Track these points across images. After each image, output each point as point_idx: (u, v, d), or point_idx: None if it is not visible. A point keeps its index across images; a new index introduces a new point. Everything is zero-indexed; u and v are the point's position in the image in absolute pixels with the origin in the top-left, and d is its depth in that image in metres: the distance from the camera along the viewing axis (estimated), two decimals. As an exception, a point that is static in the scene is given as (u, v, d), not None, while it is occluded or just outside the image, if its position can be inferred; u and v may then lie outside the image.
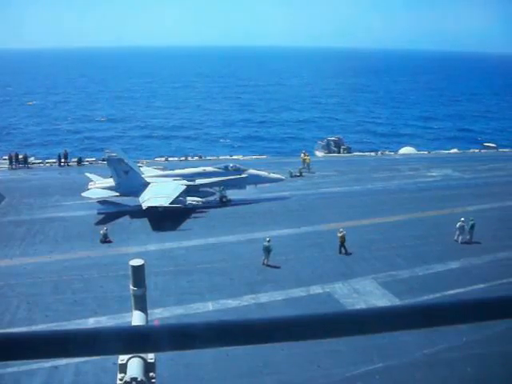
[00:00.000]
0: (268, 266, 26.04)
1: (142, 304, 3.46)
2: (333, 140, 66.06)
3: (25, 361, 1.45)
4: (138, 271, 3.50)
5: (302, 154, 50.23)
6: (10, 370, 15.97)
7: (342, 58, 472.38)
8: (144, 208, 33.38)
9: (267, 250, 26.05)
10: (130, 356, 2.94)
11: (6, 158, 50.63)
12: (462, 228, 29.43)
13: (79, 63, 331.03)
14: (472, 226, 29.55)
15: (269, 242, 26.10)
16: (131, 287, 3.51)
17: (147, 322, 3.46)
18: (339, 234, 27.82)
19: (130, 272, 3.54)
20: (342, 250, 27.81)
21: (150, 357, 3.00)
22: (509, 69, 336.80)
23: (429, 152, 64.11)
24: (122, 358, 2.95)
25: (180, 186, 36.24)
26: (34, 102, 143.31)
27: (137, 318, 3.37)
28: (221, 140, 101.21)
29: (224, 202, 37.84)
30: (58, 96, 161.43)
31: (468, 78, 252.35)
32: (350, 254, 27.75)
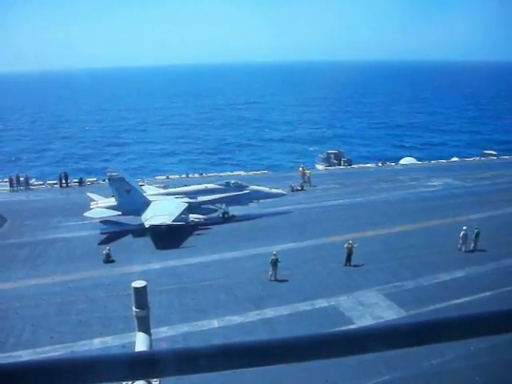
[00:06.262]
0: (276, 280, 25.94)
1: (145, 325, 3.47)
2: (333, 153, 66.29)
3: None
4: (140, 293, 3.51)
5: (301, 168, 50.39)
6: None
7: (324, 71, 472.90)
8: (146, 226, 33.39)
9: (274, 264, 25.99)
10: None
11: (7, 180, 50.78)
12: (465, 236, 29.35)
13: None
14: (477, 235, 29.46)
15: (275, 255, 26.09)
16: (134, 309, 3.52)
17: (151, 343, 3.46)
18: (347, 246, 27.76)
19: (132, 294, 3.55)
20: (347, 262, 27.70)
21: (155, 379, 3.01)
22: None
23: (429, 162, 64.23)
24: (127, 382, 2.95)
25: (182, 203, 36.28)
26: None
27: (140, 340, 3.37)
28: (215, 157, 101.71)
29: (226, 219, 37.85)
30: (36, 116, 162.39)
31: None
32: (355, 266, 27.65)
